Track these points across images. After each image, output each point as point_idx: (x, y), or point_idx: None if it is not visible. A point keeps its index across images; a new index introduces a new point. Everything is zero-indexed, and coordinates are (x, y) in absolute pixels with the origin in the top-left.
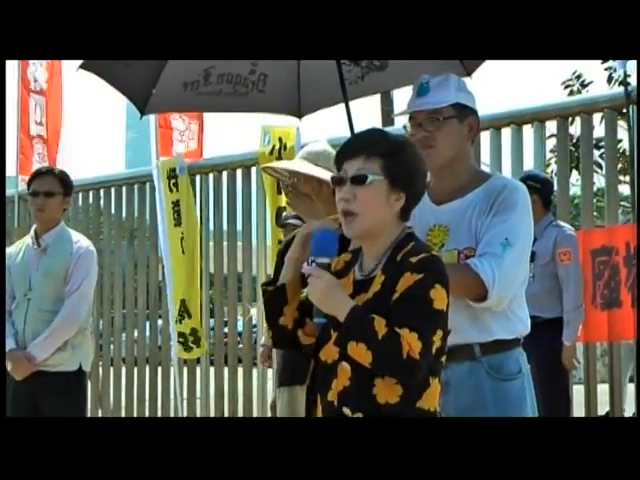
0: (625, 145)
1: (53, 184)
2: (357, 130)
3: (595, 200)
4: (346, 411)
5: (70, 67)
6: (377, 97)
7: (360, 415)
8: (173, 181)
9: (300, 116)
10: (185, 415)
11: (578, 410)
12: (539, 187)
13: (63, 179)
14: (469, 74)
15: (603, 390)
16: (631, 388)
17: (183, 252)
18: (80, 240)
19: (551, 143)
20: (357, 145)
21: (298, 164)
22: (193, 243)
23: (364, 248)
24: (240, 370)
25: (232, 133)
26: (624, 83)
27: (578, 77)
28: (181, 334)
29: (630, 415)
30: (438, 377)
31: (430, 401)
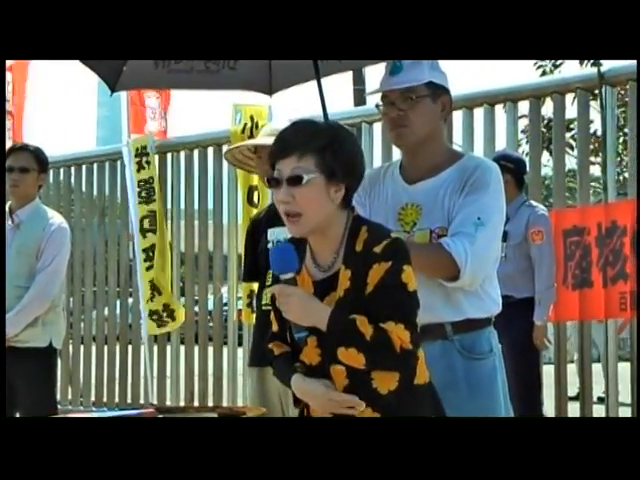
0: (597, 126)
1: (28, 160)
2: (328, 109)
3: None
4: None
5: None
6: (349, 75)
7: (369, 410)
8: (145, 159)
9: (271, 93)
10: (155, 393)
11: (548, 390)
12: (512, 167)
13: (38, 155)
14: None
15: (572, 370)
16: (597, 367)
17: (150, 231)
18: (54, 217)
19: (523, 123)
20: (289, 143)
21: (262, 140)
22: (161, 221)
23: (313, 243)
24: (210, 349)
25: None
26: (597, 64)
27: None
28: (153, 312)
29: (599, 395)
30: (420, 346)
31: (423, 374)
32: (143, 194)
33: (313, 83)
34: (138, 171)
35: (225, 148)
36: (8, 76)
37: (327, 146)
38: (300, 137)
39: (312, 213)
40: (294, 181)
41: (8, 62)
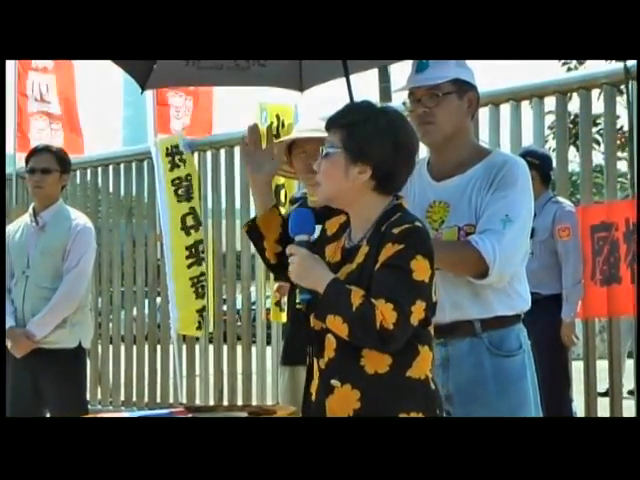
0: (623, 121)
1: (50, 161)
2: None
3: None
4: (334, 382)
5: None
6: (375, 73)
7: (349, 386)
8: (177, 157)
9: (301, 90)
10: (184, 393)
11: (578, 386)
12: (538, 163)
13: (60, 156)
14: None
15: (602, 366)
16: (629, 364)
17: (192, 227)
18: (78, 217)
19: (549, 119)
20: (331, 118)
21: (299, 133)
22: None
23: (351, 218)
24: (239, 348)
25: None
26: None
27: None
28: (199, 310)
29: (629, 389)
30: (428, 345)
31: (421, 369)
32: (180, 192)
33: (341, 79)
34: (171, 170)
35: None
36: (50, 78)
37: (352, 124)
38: (338, 113)
39: (326, 185)
40: (323, 154)
41: (45, 64)
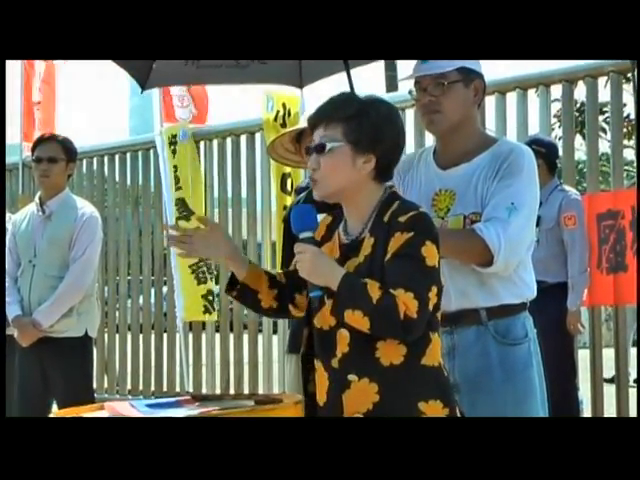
0: (630, 109)
1: (56, 150)
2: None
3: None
4: (351, 377)
5: None
6: (381, 63)
7: (366, 380)
8: (172, 148)
9: (301, 86)
10: (191, 381)
11: (584, 374)
12: (544, 151)
13: (66, 145)
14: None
15: (608, 355)
16: (634, 352)
17: (181, 218)
18: (84, 206)
19: (555, 107)
20: (321, 112)
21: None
22: (199, 210)
23: (346, 211)
24: (245, 337)
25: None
26: None
27: None
28: (204, 295)
29: (635, 378)
30: (437, 332)
31: (433, 357)
32: (171, 181)
33: (341, 74)
34: (172, 159)
35: (258, 136)
36: (39, 66)
37: (354, 116)
38: (330, 107)
39: (331, 180)
40: (319, 149)
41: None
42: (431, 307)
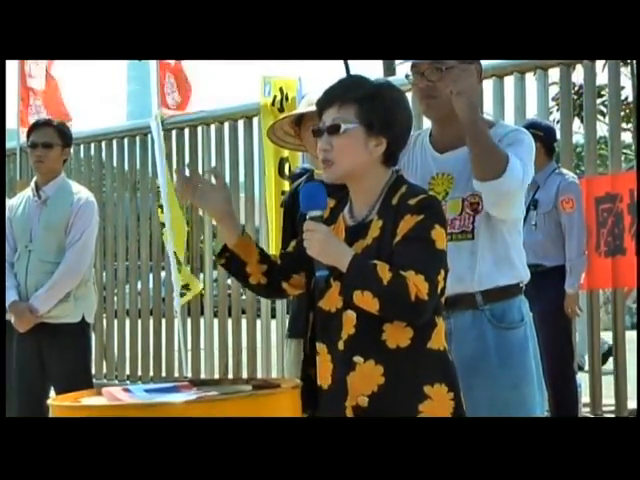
0: (628, 92)
1: (52, 135)
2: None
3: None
4: (357, 359)
5: None
6: None
7: (372, 362)
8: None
9: None
10: (189, 366)
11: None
12: (541, 135)
13: (62, 130)
14: None
15: (606, 338)
16: (631, 335)
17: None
18: (80, 191)
19: (553, 91)
20: (332, 93)
21: (307, 108)
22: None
23: (353, 194)
24: (244, 322)
25: (232, 84)
26: None
27: None
28: (184, 286)
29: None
30: (442, 316)
31: (439, 340)
32: (165, 166)
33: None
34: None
35: (256, 121)
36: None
37: (367, 98)
38: (343, 88)
39: (344, 161)
40: (333, 130)
41: None
42: (439, 290)
